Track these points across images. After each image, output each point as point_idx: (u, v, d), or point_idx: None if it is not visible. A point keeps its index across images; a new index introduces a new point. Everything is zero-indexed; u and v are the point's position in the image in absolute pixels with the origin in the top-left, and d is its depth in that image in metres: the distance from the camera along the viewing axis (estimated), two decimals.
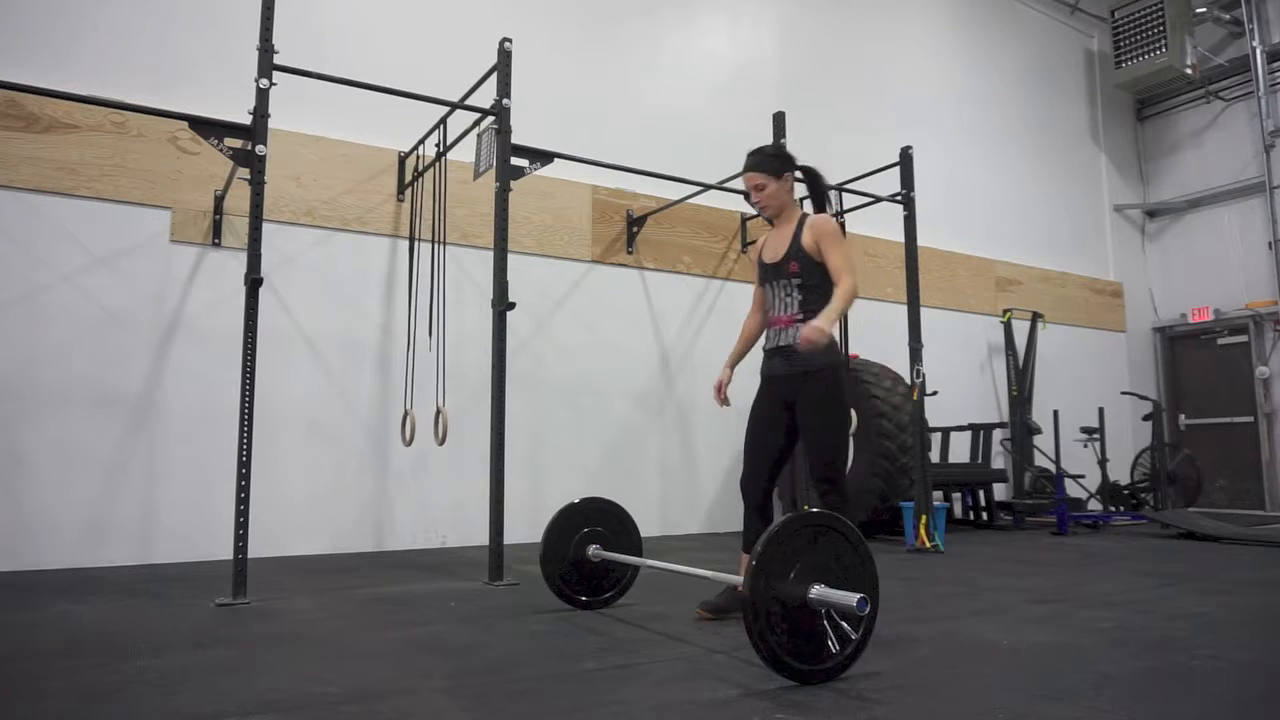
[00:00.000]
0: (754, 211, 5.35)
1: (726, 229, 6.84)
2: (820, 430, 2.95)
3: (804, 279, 2.96)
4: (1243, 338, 9.25)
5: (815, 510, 2.38)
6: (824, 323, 2.77)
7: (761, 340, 3.20)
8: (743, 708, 2.00)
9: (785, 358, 3.01)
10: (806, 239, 2.97)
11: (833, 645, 2.23)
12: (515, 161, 4.25)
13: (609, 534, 3.28)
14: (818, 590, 2.20)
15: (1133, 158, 10.29)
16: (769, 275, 3.09)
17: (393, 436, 5.26)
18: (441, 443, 4.51)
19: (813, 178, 3.17)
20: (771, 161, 3.05)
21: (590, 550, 3.25)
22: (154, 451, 4.62)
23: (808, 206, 3.23)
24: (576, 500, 3.34)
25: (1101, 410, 7.29)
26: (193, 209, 4.84)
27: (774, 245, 3.09)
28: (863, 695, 2.09)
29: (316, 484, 5.03)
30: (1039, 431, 7.63)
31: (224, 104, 4.17)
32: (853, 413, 5.48)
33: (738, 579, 2.44)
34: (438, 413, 4.53)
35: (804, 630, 2.21)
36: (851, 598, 2.14)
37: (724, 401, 3.26)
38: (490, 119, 4.28)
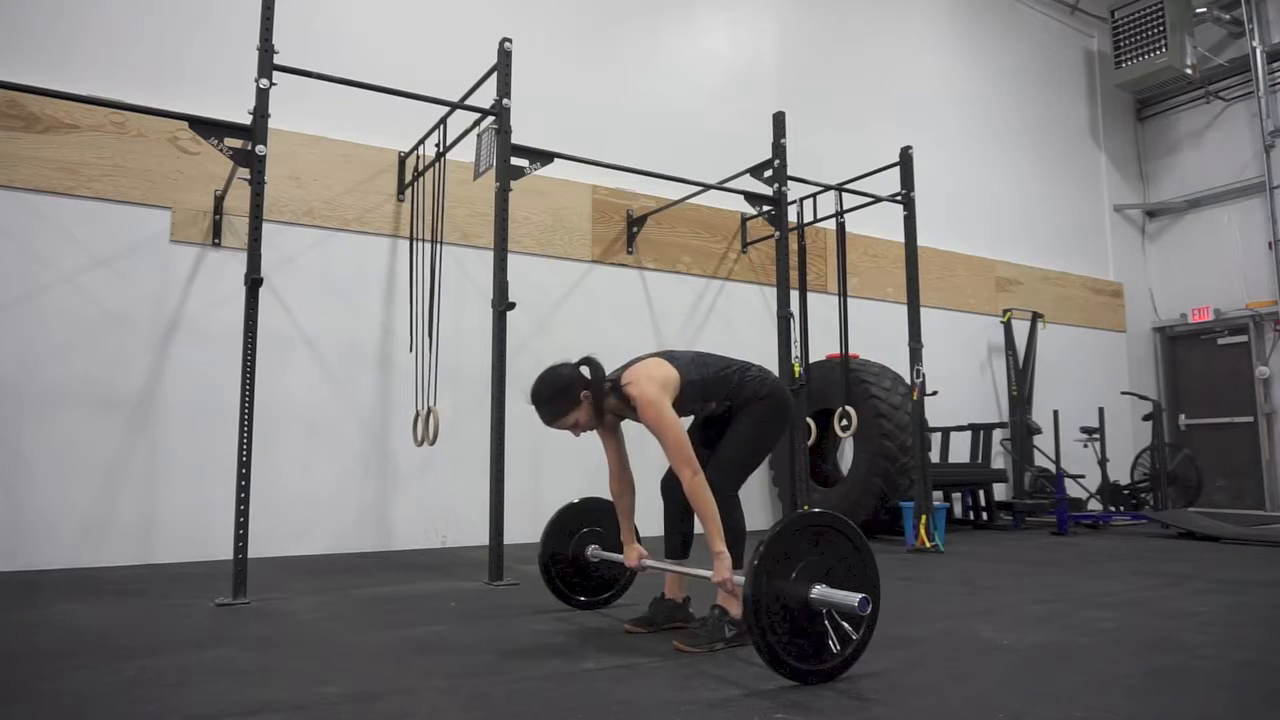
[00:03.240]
0: (754, 211, 5.37)
1: (726, 229, 6.84)
2: (734, 440, 2.82)
3: (683, 409, 2.82)
4: (1243, 338, 9.25)
5: (817, 510, 2.37)
6: (721, 565, 2.57)
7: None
8: (743, 708, 2.00)
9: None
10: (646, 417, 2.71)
11: (834, 645, 2.23)
12: (515, 161, 4.25)
13: (608, 534, 3.26)
14: (819, 590, 2.20)
15: (1133, 158, 10.29)
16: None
17: (393, 436, 5.26)
18: (432, 442, 4.50)
19: (595, 369, 2.83)
20: (561, 399, 2.76)
21: (589, 550, 3.24)
22: (154, 451, 4.62)
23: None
24: (576, 500, 3.33)
25: (1101, 410, 7.29)
26: (193, 209, 4.84)
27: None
28: (863, 695, 2.09)
29: (316, 484, 5.02)
30: (1039, 431, 7.63)
31: (224, 104, 4.17)
32: (852, 412, 5.48)
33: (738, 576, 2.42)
34: (429, 412, 4.53)
35: (805, 630, 2.21)
36: (853, 598, 2.14)
37: (641, 568, 3.03)
38: (490, 119, 4.28)
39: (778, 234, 5.13)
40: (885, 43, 8.15)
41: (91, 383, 4.51)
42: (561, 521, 3.28)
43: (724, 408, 2.92)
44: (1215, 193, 9.52)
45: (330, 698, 2.07)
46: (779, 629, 2.17)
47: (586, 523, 3.29)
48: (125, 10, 4.79)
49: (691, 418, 3.02)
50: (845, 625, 2.24)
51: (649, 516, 3.15)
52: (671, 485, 2.97)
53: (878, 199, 5.76)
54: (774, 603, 2.17)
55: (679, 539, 3.04)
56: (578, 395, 2.77)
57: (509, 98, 4.21)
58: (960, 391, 7.82)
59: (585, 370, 2.81)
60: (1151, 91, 9.97)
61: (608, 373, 2.86)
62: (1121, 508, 7.30)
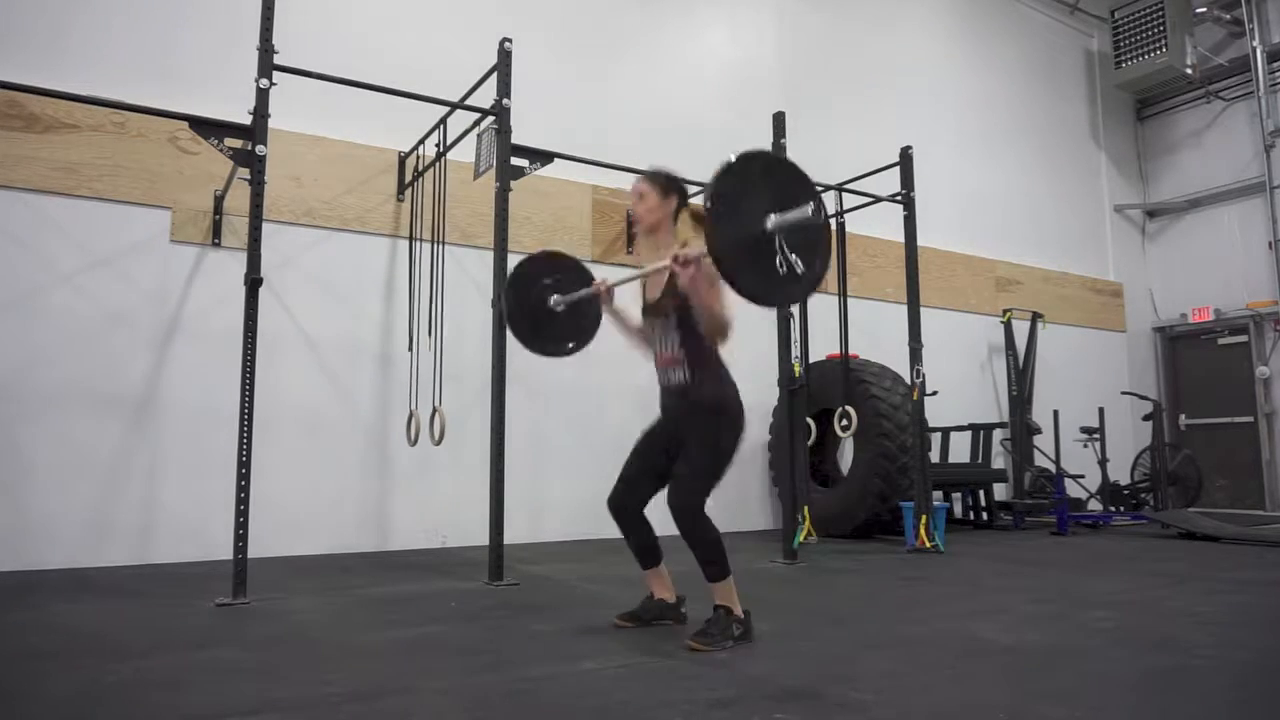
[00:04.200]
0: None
1: None
2: (691, 460, 2.77)
3: (681, 319, 2.83)
4: (1243, 338, 9.25)
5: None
6: (691, 252, 2.58)
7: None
8: (743, 707, 2.00)
9: (681, 399, 2.89)
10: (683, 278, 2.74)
11: (781, 267, 2.27)
12: (515, 161, 4.25)
13: (567, 284, 3.29)
14: (774, 219, 2.26)
15: (1133, 158, 10.29)
16: (648, 312, 2.98)
17: (393, 436, 5.26)
18: (438, 442, 4.50)
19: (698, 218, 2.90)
20: (662, 180, 2.96)
21: (551, 300, 3.28)
22: (154, 451, 4.62)
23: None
24: (537, 251, 3.39)
25: (1101, 410, 7.28)
26: (193, 209, 4.84)
27: (654, 282, 2.96)
28: (863, 695, 2.09)
29: (316, 484, 5.02)
30: (1039, 431, 7.62)
31: (224, 104, 4.16)
32: (852, 412, 5.48)
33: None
34: (434, 412, 4.53)
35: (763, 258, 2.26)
36: (805, 210, 2.22)
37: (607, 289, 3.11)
38: (490, 119, 4.28)
39: None
40: (885, 42, 8.14)
41: (91, 383, 4.50)
42: (523, 270, 3.30)
43: (676, 342, 2.87)
44: (1215, 193, 9.51)
45: (331, 698, 2.07)
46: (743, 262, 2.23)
47: (548, 273, 3.32)
48: (125, 10, 4.79)
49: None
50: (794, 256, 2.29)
51: (648, 518, 3.13)
52: (619, 505, 2.97)
53: (878, 199, 5.76)
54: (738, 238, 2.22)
55: (646, 549, 3.00)
56: (675, 197, 2.94)
57: (509, 98, 4.21)
58: (960, 391, 7.81)
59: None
60: (1151, 91, 9.97)
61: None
62: (1121, 508, 7.30)
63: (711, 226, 2.23)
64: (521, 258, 3.40)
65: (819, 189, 2.38)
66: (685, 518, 2.70)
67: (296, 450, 4.97)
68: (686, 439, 2.83)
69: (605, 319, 3.24)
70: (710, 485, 2.77)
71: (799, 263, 2.29)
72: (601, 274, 3.24)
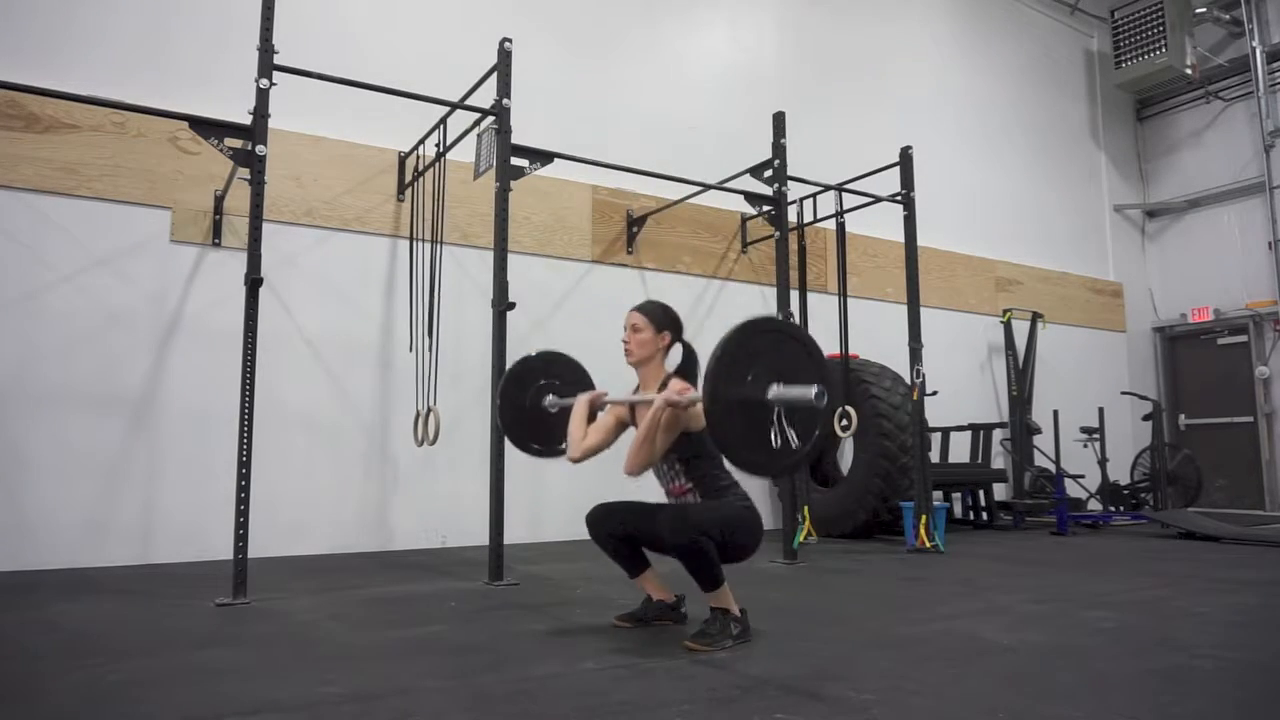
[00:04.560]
0: (754, 211, 5.37)
1: (726, 229, 6.84)
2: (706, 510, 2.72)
3: (680, 450, 2.81)
4: (1243, 338, 9.25)
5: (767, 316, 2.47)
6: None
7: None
8: (743, 708, 2.00)
9: None
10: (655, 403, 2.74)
11: (775, 441, 2.28)
12: (515, 161, 4.25)
13: (564, 388, 3.33)
14: (776, 391, 2.27)
15: (1133, 158, 10.29)
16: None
17: (393, 436, 5.26)
18: (433, 442, 4.50)
19: (690, 355, 2.99)
20: (658, 315, 2.96)
21: (547, 401, 3.32)
22: (154, 451, 4.62)
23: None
24: (533, 352, 3.39)
25: (1101, 410, 7.28)
26: (193, 209, 4.84)
27: (641, 413, 2.91)
28: (863, 695, 2.09)
29: (316, 484, 5.02)
30: (1039, 431, 7.63)
31: (224, 104, 4.17)
32: (852, 412, 5.48)
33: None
34: (429, 411, 4.52)
35: (757, 427, 2.27)
36: (809, 390, 2.21)
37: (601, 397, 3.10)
38: (490, 119, 4.28)
39: (778, 234, 5.12)
40: (885, 43, 8.14)
41: (91, 383, 4.51)
42: (520, 371, 3.32)
43: (682, 474, 2.85)
44: (1215, 193, 9.51)
45: (330, 697, 2.07)
46: (736, 428, 2.24)
47: (545, 376, 3.35)
48: (125, 10, 4.79)
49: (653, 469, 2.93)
50: (790, 431, 2.30)
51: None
52: (597, 524, 2.99)
53: (878, 199, 5.76)
54: (731, 404, 2.23)
55: (627, 557, 3.01)
56: (669, 333, 2.96)
57: (509, 98, 4.21)
58: (960, 391, 7.81)
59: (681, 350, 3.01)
60: (1151, 91, 9.97)
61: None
62: (1121, 508, 7.30)
63: (712, 378, 2.22)
64: (519, 358, 3.37)
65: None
66: (680, 536, 2.63)
67: (296, 450, 4.97)
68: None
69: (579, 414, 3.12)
70: (710, 529, 2.65)
71: (794, 437, 2.30)
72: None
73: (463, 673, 2.33)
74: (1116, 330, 9.63)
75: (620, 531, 2.96)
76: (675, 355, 3.04)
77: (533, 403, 3.33)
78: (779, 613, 3.21)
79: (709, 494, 2.83)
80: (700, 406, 2.48)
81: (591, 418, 3.06)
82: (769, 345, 2.34)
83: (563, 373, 3.39)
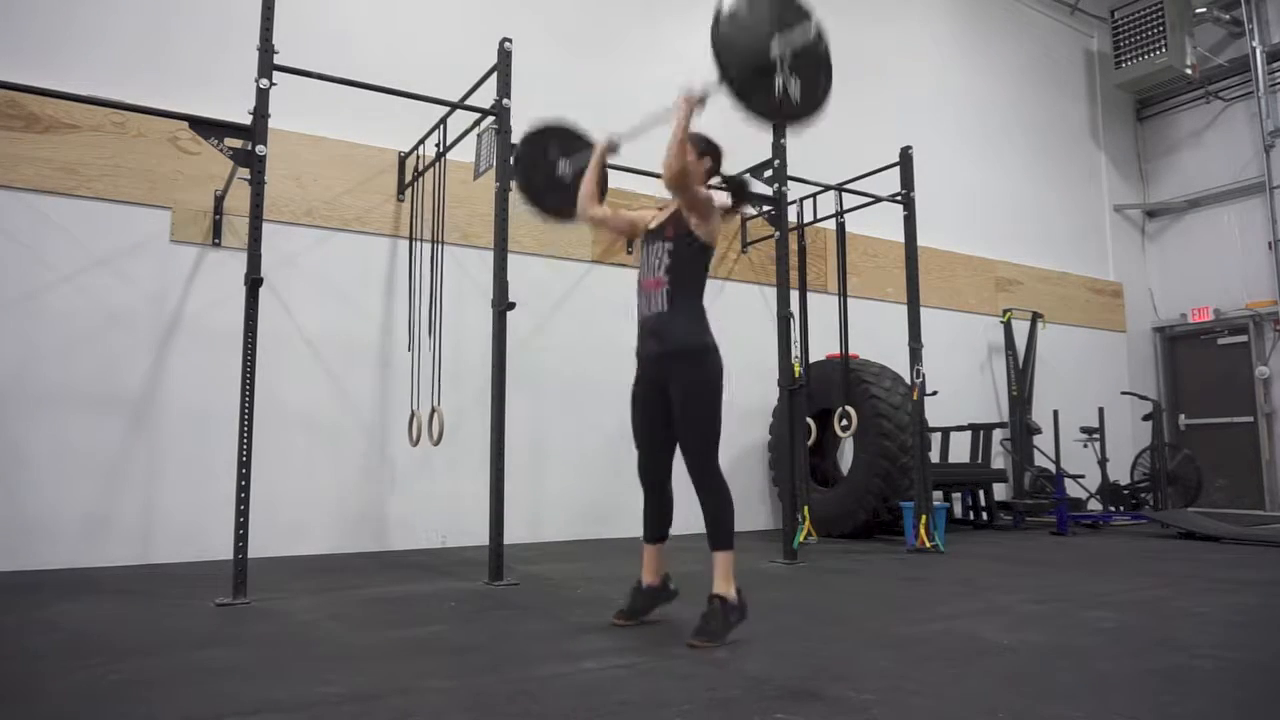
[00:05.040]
0: (754, 211, 5.37)
1: (726, 229, 6.83)
2: (692, 423, 2.88)
3: (675, 247, 2.93)
4: (1243, 338, 9.24)
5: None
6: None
7: (635, 312, 3.11)
8: (743, 707, 2.00)
9: (658, 338, 2.94)
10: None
11: (778, 91, 2.37)
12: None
13: (577, 151, 3.42)
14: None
15: (1133, 158, 10.29)
16: (647, 238, 3.07)
17: (393, 436, 5.26)
18: (437, 442, 4.50)
19: (735, 186, 3.21)
20: (700, 141, 3.07)
21: (560, 165, 3.41)
22: (154, 451, 4.62)
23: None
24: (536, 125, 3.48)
25: (1101, 410, 7.28)
26: (193, 209, 4.84)
27: (662, 215, 3.09)
28: (863, 695, 2.09)
29: (316, 484, 5.02)
30: (1039, 431, 7.62)
31: (224, 104, 4.16)
32: (852, 412, 5.48)
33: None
34: (433, 412, 4.53)
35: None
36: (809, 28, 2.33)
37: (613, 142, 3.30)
38: (490, 119, 4.28)
39: (778, 234, 5.12)
40: (885, 43, 8.14)
41: (91, 383, 4.50)
42: (532, 141, 3.42)
43: (664, 267, 2.96)
44: (1215, 193, 9.51)
45: (331, 698, 2.07)
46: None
47: (552, 139, 3.45)
48: (125, 10, 4.79)
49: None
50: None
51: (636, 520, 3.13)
52: (648, 478, 3.06)
53: (878, 199, 5.76)
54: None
55: (655, 524, 3.08)
56: (709, 157, 3.06)
57: (509, 98, 4.21)
58: (960, 391, 7.81)
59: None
60: (1151, 91, 9.97)
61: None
62: (1121, 508, 7.30)
63: (716, 24, 2.36)
64: (526, 132, 3.49)
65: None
66: (705, 479, 2.86)
67: (296, 450, 4.97)
68: (678, 401, 2.90)
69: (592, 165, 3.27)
70: (717, 439, 2.89)
71: (797, 89, 2.34)
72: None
73: (463, 673, 2.33)
74: (1116, 330, 9.62)
75: (658, 470, 3.06)
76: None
77: (549, 162, 3.39)
78: (779, 612, 3.21)
79: (676, 294, 2.92)
80: (716, 223, 2.78)
81: (603, 183, 3.26)
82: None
83: (577, 144, 3.45)
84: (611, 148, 3.23)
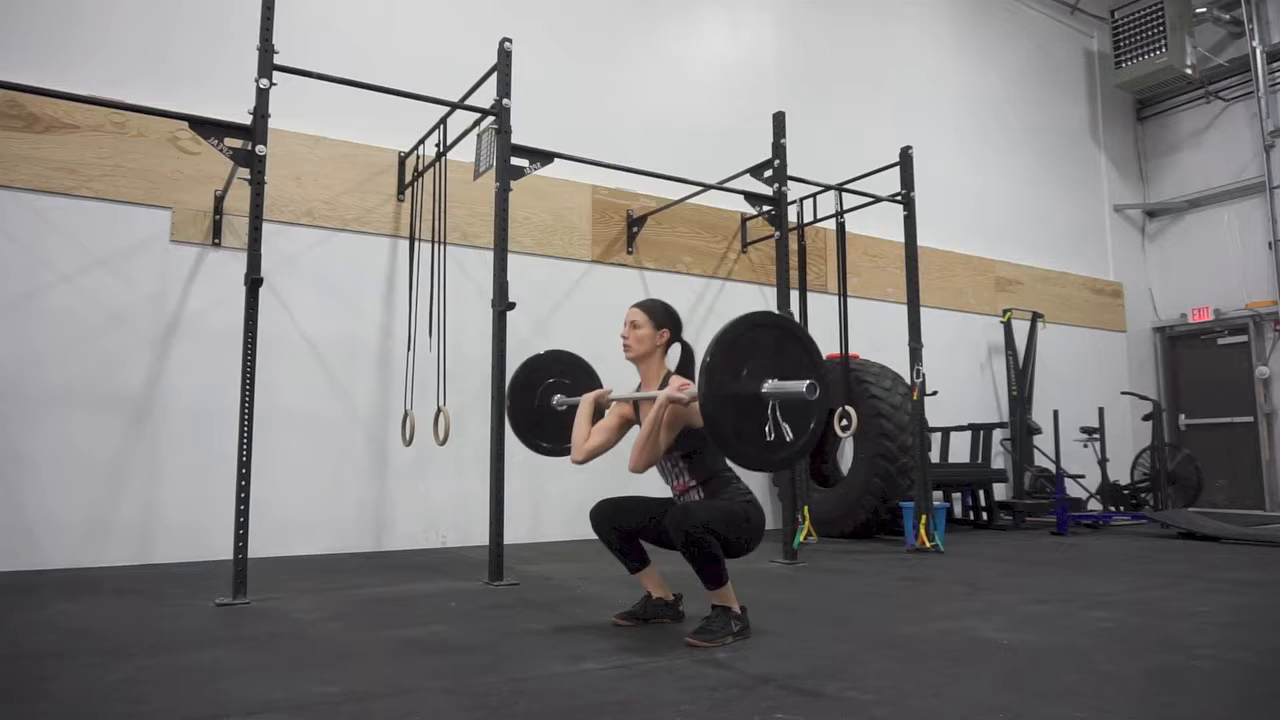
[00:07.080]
0: (754, 211, 5.37)
1: (726, 229, 6.84)
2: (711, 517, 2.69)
3: (683, 446, 2.82)
4: (1243, 338, 9.25)
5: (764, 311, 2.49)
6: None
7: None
8: (743, 707, 2.00)
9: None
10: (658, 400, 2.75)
11: (769, 434, 2.32)
12: (515, 161, 4.25)
13: (574, 386, 3.38)
14: (770, 385, 2.31)
15: (1133, 158, 10.29)
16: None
17: (393, 436, 5.26)
18: (443, 443, 4.51)
19: (688, 353, 3.04)
20: (658, 312, 2.98)
21: (555, 399, 3.38)
22: (154, 451, 4.62)
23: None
24: (541, 352, 3.44)
25: (1101, 410, 7.28)
26: (193, 209, 4.84)
27: (644, 409, 2.91)
28: (863, 695, 2.09)
29: (316, 484, 5.02)
30: (1039, 431, 7.62)
31: (224, 104, 4.17)
32: (852, 412, 5.48)
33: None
34: (438, 412, 4.53)
35: (752, 421, 2.31)
36: (800, 385, 2.25)
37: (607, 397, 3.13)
38: (490, 119, 4.28)
39: (777, 234, 5.12)
40: (885, 43, 8.14)
41: (91, 383, 4.50)
42: (527, 373, 3.38)
43: (686, 471, 2.87)
44: (1215, 193, 9.51)
45: (331, 698, 2.07)
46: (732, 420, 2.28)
47: (553, 374, 3.40)
48: (126, 10, 4.79)
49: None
50: (785, 425, 2.34)
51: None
52: (601, 520, 2.98)
53: (877, 199, 5.76)
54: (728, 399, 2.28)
55: (628, 553, 3.02)
56: (668, 330, 2.97)
57: (509, 98, 4.21)
58: (960, 391, 7.82)
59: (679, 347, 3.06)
60: (1151, 91, 9.97)
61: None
62: (1121, 508, 7.30)
63: (707, 371, 2.25)
64: (528, 357, 3.44)
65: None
66: (686, 533, 2.63)
67: (296, 450, 4.97)
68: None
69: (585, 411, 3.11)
70: (715, 525, 2.67)
71: (788, 431, 2.33)
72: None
73: (463, 673, 2.33)
74: (1116, 330, 9.63)
75: (624, 527, 2.97)
76: (674, 356, 3.05)
77: (541, 401, 3.37)
78: (779, 612, 3.21)
79: (712, 490, 2.84)
80: (694, 407, 2.53)
81: (598, 416, 3.07)
82: (765, 340, 2.37)
83: (571, 371, 3.42)
84: (601, 403, 3.08)
